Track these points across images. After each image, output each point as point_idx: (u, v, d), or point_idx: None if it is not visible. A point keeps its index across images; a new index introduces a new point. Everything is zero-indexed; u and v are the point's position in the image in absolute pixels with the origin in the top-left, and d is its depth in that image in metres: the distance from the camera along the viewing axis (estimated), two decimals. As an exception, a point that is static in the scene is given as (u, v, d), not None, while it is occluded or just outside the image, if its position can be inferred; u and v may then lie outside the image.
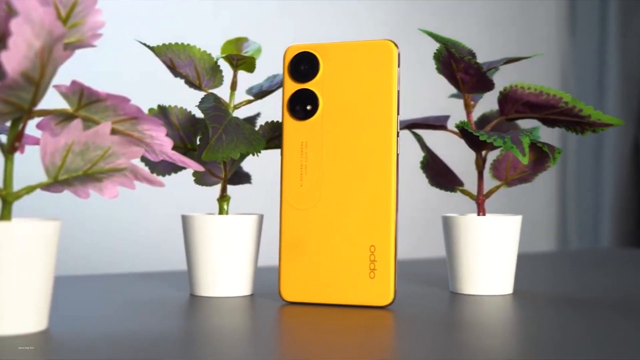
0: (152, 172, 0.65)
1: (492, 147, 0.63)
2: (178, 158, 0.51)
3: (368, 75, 0.56)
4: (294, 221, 0.57)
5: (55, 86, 0.47)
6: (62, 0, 0.44)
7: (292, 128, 0.58)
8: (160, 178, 0.43)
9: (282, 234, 0.58)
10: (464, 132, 0.61)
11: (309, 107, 0.57)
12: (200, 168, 0.51)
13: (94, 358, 0.39)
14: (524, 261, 0.95)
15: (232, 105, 0.63)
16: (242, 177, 0.67)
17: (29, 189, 0.46)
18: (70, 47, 0.46)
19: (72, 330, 0.47)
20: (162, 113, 0.63)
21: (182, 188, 0.84)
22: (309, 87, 0.58)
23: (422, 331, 0.47)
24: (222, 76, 0.62)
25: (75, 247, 0.96)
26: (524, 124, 1.28)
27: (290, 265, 0.57)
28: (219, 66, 0.62)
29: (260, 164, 0.88)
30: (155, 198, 0.99)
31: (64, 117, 0.49)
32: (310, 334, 0.46)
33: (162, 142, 0.50)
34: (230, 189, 0.89)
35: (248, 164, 0.73)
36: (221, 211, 0.63)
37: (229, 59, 0.62)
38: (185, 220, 0.61)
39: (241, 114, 0.95)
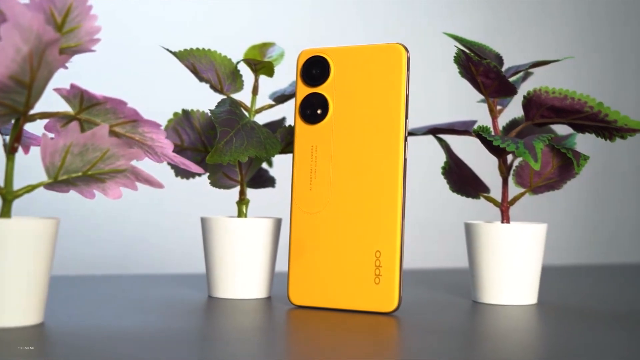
0: (176, 175, 0.66)
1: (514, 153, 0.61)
2: (179, 160, 0.52)
3: (377, 79, 0.56)
4: (303, 225, 0.57)
5: (56, 89, 0.48)
6: (57, 6, 0.45)
7: (303, 132, 0.58)
8: (162, 180, 0.44)
9: (291, 237, 0.58)
10: (480, 137, 0.59)
11: (319, 111, 0.57)
12: (200, 170, 0.52)
13: (97, 356, 0.40)
14: (576, 272, 0.92)
15: (253, 110, 0.64)
16: (265, 181, 0.67)
17: (29, 188, 0.48)
18: (70, 52, 0.48)
19: (86, 327, 0.48)
20: (186, 117, 0.64)
21: (206, 190, 0.85)
22: (320, 91, 0.58)
23: (420, 339, 0.46)
24: (243, 81, 0.63)
25: (94, 248, 0.99)
26: (562, 130, 1.23)
27: (298, 269, 0.57)
28: (238, 71, 0.63)
29: (288, 168, 0.88)
30: (178, 200, 1.01)
31: (69, 120, 0.50)
32: (306, 340, 0.46)
33: (163, 145, 0.51)
34: (255, 192, 0.89)
35: (278, 168, 0.74)
36: (240, 214, 0.64)
37: (248, 63, 0.63)
38: (204, 222, 0.62)
39: (267, 118, 0.95)
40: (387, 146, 0.55)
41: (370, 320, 0.53)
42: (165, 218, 1.02)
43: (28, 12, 0.42)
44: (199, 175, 0.66)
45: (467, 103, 1.14)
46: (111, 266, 0.99)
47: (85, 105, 0.49)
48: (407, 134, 0.55)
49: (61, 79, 0.86)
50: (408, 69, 0.55)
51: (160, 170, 0.95)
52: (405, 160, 0.55)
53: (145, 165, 0.94)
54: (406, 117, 0.55)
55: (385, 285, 0.55)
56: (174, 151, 0.65)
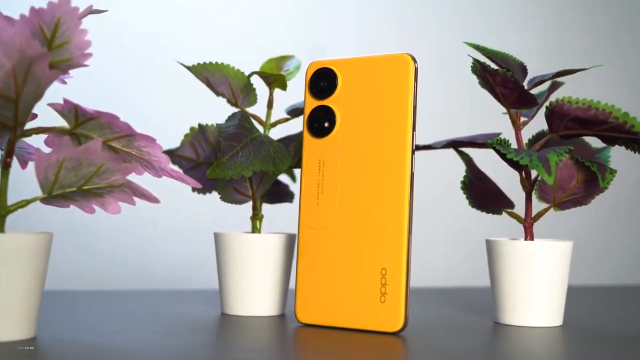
0: (193, 190, 0.66)
1: (536, 167, 0.58)
2: (177, 175, 0.51)
3: (384, 91, 0.54)
4: (310, 241, 0.56)
5: (50, 104, 0.48)
6: (46, 21, 0.45)
7: (311, 145, 0.56)
8: (158, 195, 0.44)
9: (299, 254, 0.56)
10: (496, 150, 0.57)
11: (326, 124, 0.56)
12: (198, 185, 0.51)
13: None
14: (605, 292, 0.87)
15: (268, 123, 0.63)
16: (283, 196, 0.66)
17: (24, 204, 0.48)
18: (63, 67, 0.48)
19: (80, 343, 0.48)
20: (201, 131, 0.64)
21: (222, 205, 0.84)
22: (327, 103, 0.56)
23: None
24: (256, 94, 0.62)
25: (109, 264, 0.99)
26: (595, 142, 1.16)
27: (305, 286, 0.56)
28: (252, 84, 0.62)
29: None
30: (194, 215, 1.00)
31: (65, 134, 0.50)
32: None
33: (160, 159, 0.50)
34: (275, 207, 0.87)
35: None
36: (254, 229, 0.63)
37: (262, 76, 0.62)
38: (217, 238, 0.62)
39: (285, 131, 0.93)
40: (394, 160, 0.53)
41: (375, 340, 0.50)
42: (180, 232, 1.02)
43: (10, 27, 0.42)
44: (216, 190, 0.65)
45: (495, 115, 1.11)
46: (120, 281, 1.00)
47: (80, 120, 0.49)
48: (414, 147, 0.53)
49: (80, 95, 0.87)
50: (416, 80, 0.53)
51: (172, 184, 0.94)
52: (412, 174, 0.53)
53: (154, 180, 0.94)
54: (414, 130, 0.53)
55: (390, 304, 0.52)
56: (189, 166, 0.64)
